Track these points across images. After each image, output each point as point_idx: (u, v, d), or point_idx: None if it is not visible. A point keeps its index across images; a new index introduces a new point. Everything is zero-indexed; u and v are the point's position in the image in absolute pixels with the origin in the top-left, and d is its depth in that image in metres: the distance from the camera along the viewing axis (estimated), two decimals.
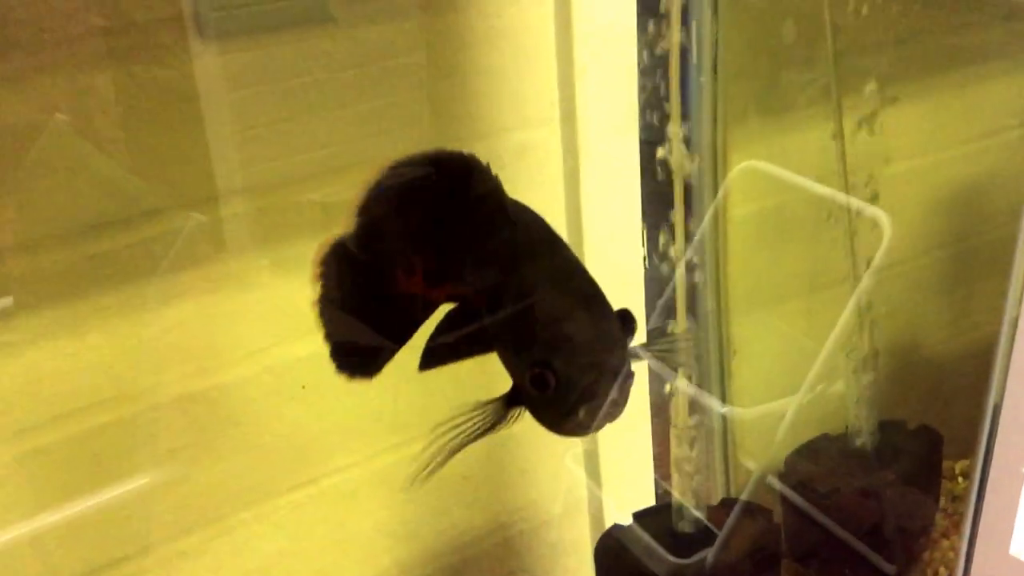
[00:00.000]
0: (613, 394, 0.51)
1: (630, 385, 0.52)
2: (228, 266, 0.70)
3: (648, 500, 0.94)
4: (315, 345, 0.55)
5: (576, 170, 0.81)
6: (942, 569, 0.92)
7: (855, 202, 0.89)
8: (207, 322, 0.71)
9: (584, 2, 0.78)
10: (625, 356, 0.52)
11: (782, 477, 0.91)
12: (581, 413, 0.50)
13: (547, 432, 0.53)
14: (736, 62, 0.90)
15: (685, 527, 0.83)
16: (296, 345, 0.75)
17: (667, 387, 0.85)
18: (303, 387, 0.76)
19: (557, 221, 0.61)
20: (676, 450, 0.83)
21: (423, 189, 0.52)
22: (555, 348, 0.50)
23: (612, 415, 0.51)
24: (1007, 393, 0.68)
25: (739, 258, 0.94)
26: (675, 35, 0.78)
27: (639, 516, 0.86)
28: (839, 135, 0.87)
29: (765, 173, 0.91)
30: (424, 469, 0.53)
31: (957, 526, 0.95)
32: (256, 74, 0.68)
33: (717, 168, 0.91)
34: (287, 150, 0.71)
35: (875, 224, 0.89)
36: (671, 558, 0.80)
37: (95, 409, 0.68)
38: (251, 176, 0.69)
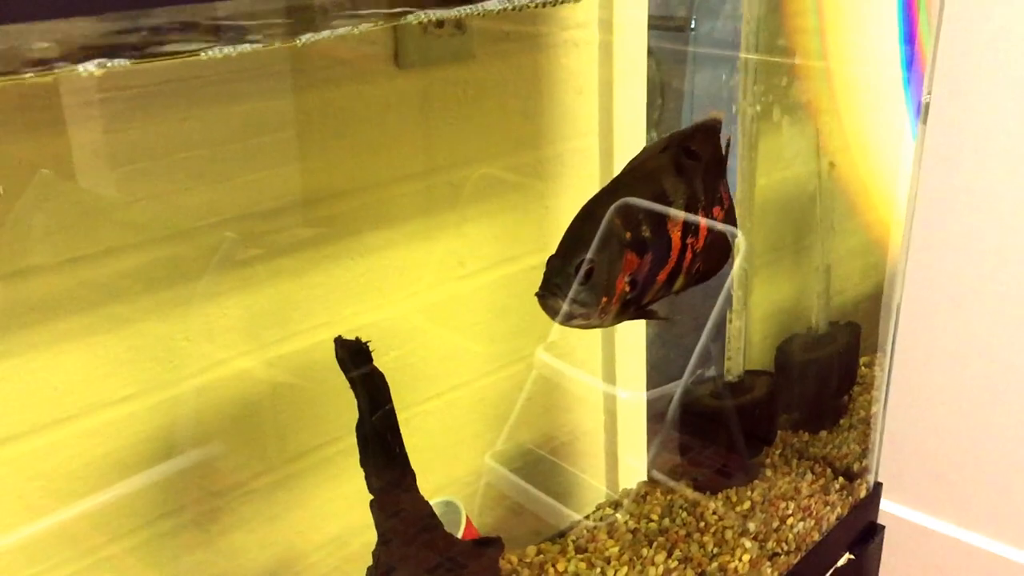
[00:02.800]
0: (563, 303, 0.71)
1: (581, 311, 0.71)
2: (415, 225, 0.98)
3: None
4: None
5: (611, 170, 1.15)
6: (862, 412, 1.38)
7: None
8: (385, 272, 0.98)
9: (618, 56, 1.13)
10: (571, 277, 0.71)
11: (777, 354, 1.35)
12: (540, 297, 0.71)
13: None
14: None
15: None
16: (438, 290, 1.03)
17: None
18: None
19: None
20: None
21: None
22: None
23: (568, 316, 0.71)
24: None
25: None
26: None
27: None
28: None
29: None
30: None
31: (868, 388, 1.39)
32: (427, 93, 0.97)
33: None
34: (448, 141, 1.00)
35: None
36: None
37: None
38: (433, 159, 0.98)
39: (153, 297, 0.82)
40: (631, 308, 0.76)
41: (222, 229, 0.86)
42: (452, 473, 1.11)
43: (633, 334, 1.29)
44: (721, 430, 1.26)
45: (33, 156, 0.73)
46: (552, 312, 0.71)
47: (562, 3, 1.01)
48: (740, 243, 1.13)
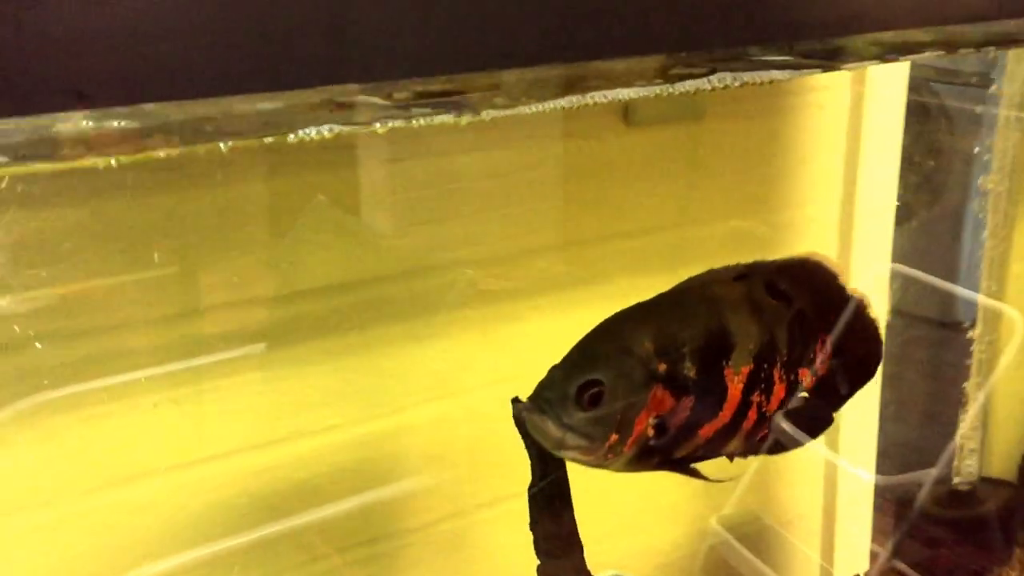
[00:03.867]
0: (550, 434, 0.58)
1: (577, 443, 0.58)
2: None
3: None
4: None
5: (849, 239, 1.08)
6: None
7: None
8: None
9: (869, 117, 1.05)
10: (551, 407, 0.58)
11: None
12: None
13: None
14: None
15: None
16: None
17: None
18: None
19: None
20: None
21: None
22: None
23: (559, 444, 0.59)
24: None
25: None
26: None
27: None
28: None
29: None
30: None
31: None
32: (655, 151, 0.96)
33: None
34: (672, 202, 0.98)
35: None
36: None
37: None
38: (653, 219, 0.97)
39: (383, 329, 0.86)
40: (655, 458, 0.62)
41: (454, 265, 0.88)
42: (637, 544, 1.08)
43: (865, 406, 1.20)
44: (947, 541, 1.13)
45: (325, 184, 0.79)
46: (538, 433, 0.58)
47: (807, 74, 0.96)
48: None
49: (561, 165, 0.92)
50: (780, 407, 0.66)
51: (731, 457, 0.67)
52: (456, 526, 0.94)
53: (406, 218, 0.86)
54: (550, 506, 0.65)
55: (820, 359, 0.68)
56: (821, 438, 1.21)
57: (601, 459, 0.60)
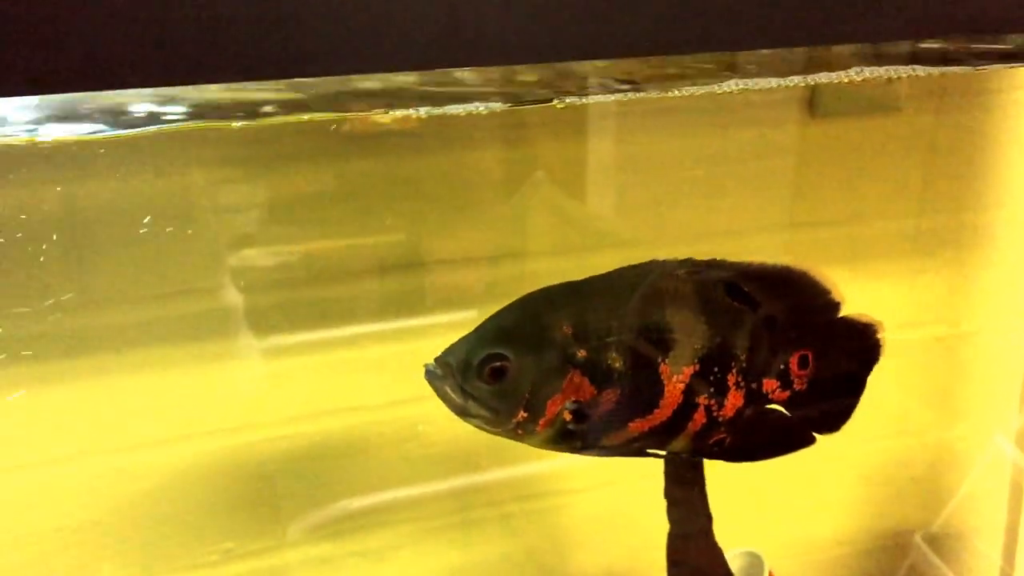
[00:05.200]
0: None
1: (479, 413, 0.58)
2: None
3: None
4: None
5: None
6: None
7: None
8: None
9: None
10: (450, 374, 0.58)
11: None
12: None
13: None
14: None
15: None
16: None
17: None
18: None
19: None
20: None
21: None
22: None
23: (461, 410, 0.58)
24: None
25: None
26: None
27: None
28: None
29: None
30: None
31: None
32: (841, 144, 0.95)
33: None
34: (854, 195, 0.97)
35: None
36: None
37: None
38: (832, 211, 0.97)
39: None
40: (578, 442, 0.60)
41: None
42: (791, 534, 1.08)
43: None
44: None
45: (550, 159, 0.85)
46: (440, 394, 0.58)
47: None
48: None
49: (743, 153, 0.93)
50: (737, 415, 0.63)
51: (679, 456, 0.65)
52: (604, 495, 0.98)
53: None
54: (680, 475, 0.68)
55: (797, 374, 0.64)
56: None
57: (510, 434, 0.60)
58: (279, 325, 0.83)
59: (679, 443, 0.63)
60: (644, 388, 0.60)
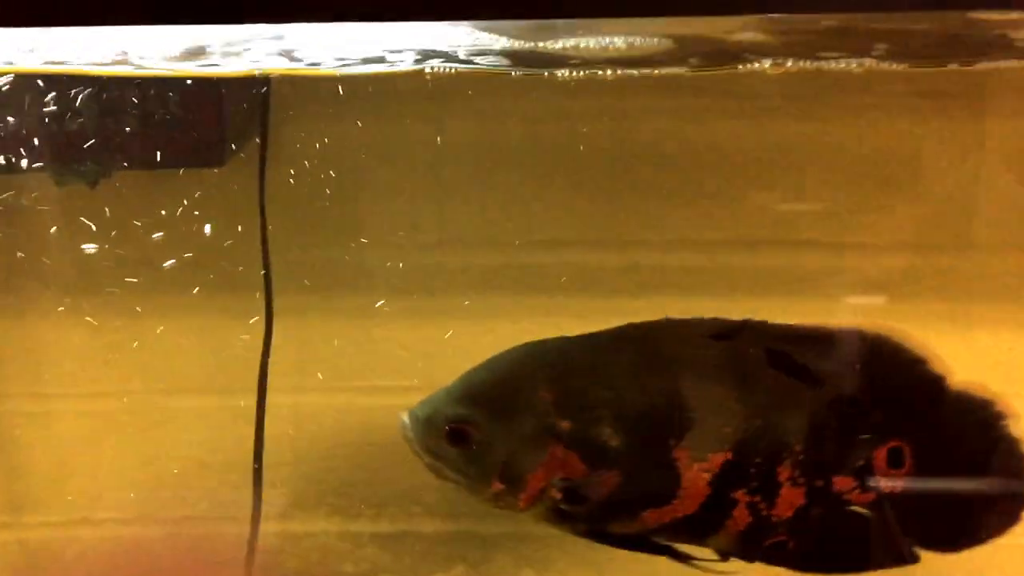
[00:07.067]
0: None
1: (448, 476, 0.54)
2: None
3: None
4: None
5: None
6: None
7: None
8: None
9: None
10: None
11: None
12: None
13: None
14: None
15: None
16: None
17: None
18: None
19: None
20: None
21: None
22: None
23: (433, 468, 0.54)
24: None
25: None
26: None
27: None
28: None
29: None
30: None
31: None
32: None
33: None
34: None
35: None
36: None
37: None
38: None
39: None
40: (581, 526, 0.54)
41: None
42: None
43: None
44: None
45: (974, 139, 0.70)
46: (412, 450, 0.53)
47: None
48: None
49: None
50: (799, 516, 0.53)
51: (724, 557, 0.56)
52: None
53: None
54: None
55: (886, 472, 0.53)
56: None
57: (494, 504, 0.54)
58: None
59: (719, 541, 0.55)
60: (653, 474, 0.52)
